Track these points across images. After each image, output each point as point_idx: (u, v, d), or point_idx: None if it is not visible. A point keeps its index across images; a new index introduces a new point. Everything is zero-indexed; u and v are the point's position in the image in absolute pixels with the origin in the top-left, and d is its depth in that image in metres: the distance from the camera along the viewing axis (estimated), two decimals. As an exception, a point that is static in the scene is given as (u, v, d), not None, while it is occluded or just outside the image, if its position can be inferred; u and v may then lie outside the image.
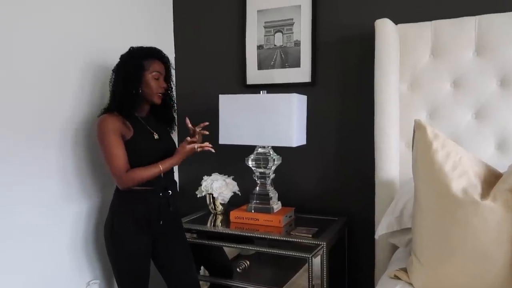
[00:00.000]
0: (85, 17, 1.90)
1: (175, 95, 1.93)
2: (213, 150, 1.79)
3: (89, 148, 1.90)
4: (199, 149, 1.74)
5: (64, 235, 1.83)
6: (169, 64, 1.81)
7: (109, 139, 1.63)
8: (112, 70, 1.75)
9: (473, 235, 1.16)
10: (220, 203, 2.20)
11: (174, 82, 1.92)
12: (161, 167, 1.67)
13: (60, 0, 1.77)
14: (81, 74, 1.89)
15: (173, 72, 1.88)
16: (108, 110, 1.70)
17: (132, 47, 1.75)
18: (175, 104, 1.90)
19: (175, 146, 1.87)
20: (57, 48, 1.77)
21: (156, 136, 1.77)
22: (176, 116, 1.93)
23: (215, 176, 2.21)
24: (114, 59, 1.75)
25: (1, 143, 1.55)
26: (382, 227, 1.55)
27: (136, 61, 1.69)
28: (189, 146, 1.72)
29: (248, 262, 1.96)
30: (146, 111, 1.80)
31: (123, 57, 1.74)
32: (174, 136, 2.07)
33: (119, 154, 1.63)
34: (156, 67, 1.73)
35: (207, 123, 1.84)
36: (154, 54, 1.75)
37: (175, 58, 2.48)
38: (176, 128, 1.97)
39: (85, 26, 1.90)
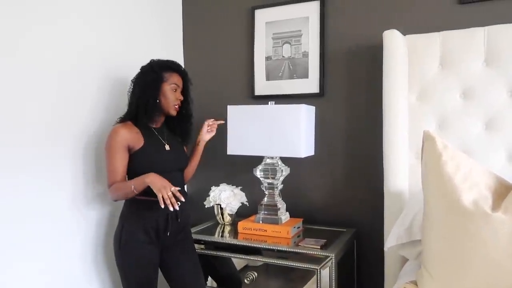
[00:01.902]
0: (99, 33, 1.94)
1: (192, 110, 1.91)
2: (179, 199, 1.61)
3: (101, 157, 1.92)
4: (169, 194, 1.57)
5: (74, 245, 1.84)
6: (187, 78, 1.86)
7: (112, 152, 1.68)
8: (131, 80, 1.80)
9: (484, 247, 1.14)
10: (228, 214, 2.20)
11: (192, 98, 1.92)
12: (132, 185, 1.63)
13: (77, 16, 1.81)
14: (95, 87, 1.92)
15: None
16: (124, 119, 1.75)
17: (153, 60, 1.81)
18: (192, 119, 1.90)
19: (187, 158, 1.88)
20: (73, 62, 1.80)
21: (167, 147, 1.79)
22: (191, 131, 1.91)
23: (223, 186, 2.21)
24: (126, 72, 1.77)
25: (14, 153, 1.58)
26: (391, 239, 1.53)
27: (156, 72, 1.75)
28: (160, 183, 1.58)
29: (256, 274, 1.95)
30: (160, 122, 1.83)
31: (143, 68, 1.79)
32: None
33: (115, 169, 1.68)
34: (174, 79, 1.78)
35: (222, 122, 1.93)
36: (173, 67, 1.80)
37: (185, 69, 2.50)
38: (190, 141, 1.95)
39: (100, 40, 1.94)
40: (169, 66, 1.79)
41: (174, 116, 1.82)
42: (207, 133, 1.98)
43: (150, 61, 1.80)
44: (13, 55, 1.56)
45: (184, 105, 1.86)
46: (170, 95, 1.77)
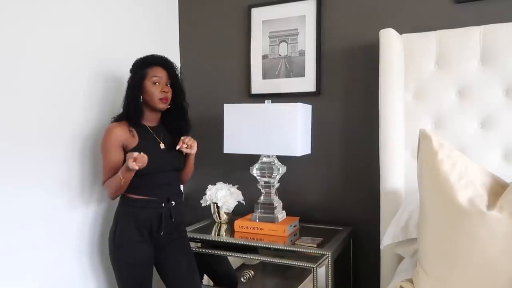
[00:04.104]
0: (93, 28, 1.92)
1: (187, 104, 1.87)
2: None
3: (96, 156, 1.90)
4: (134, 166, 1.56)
5: (70, 245, 1.83)
6: (175, 71, 1.80)
7: (107, 150, 1.69)
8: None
9: (479, 246, 1.15)
10: (225, 212, 2.20)
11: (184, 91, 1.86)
12: (120, 175, 1.63)
13: (69, 12, 1.80)
14: (90, 85, 1.91)
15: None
16: (119, 118, 1.75)
17: (138, 58, 1.79)
18: (186, 114, 1.85)
19: (183, 156, 1.86)
20: (65, 60, 1.79)
21: (162, 146, 1.78)
22: (188, 125, 1.87)
23: (220, 185, 2.21)
24: (121, 70, 1.76)
25: (8, 154, 1.56)
26: (387, 237, 1.54)
27: (137, 70, 1.75)
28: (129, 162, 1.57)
29: (252, 272, 1.95)
30: (156, 120, 1.82)
31: (130, 68, 1.79)
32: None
33: (110, 167, 1.69)
34: (155, 72, 1.74)
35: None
36: (155, 61, 1.77)
37: (181, 67, 2.50)
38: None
39: (94, 37, 1.93)
40: (149, 61, 1.76)
41: (166, 111, 1.79)
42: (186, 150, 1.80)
43: (135, 60, 1.79)
44: (1, 54, 1.54)
45: (175, 99, 1.81)
46: (153, 90, 1.72)
